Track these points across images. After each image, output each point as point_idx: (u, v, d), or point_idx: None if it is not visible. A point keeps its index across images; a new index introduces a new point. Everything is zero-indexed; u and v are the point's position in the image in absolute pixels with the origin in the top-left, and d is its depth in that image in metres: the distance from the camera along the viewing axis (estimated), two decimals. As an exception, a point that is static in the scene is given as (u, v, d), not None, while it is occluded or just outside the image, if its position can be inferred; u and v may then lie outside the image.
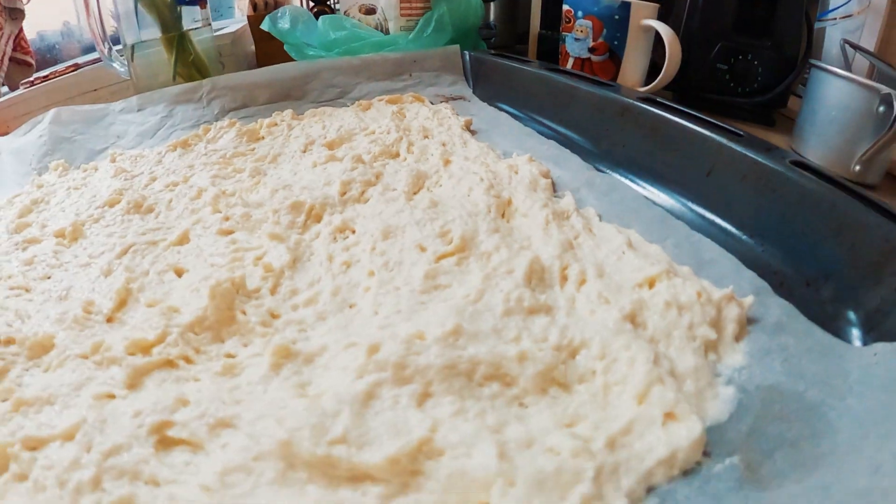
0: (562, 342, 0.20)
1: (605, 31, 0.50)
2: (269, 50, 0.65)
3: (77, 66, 0.59)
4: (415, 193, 0.31)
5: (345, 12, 0.64)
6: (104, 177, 0.39)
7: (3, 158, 0.45)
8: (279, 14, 0.59)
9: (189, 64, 0.50)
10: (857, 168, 0.40)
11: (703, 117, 0.33)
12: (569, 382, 0.19)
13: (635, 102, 0.36)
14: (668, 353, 0.19)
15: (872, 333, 0.20)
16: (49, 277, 0.27)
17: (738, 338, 0.20)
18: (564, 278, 0.24)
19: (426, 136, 0.38)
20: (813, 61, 0.45)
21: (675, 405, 0.17)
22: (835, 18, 0.51)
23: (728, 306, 0.21)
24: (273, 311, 0.22)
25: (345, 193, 0.30)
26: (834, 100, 0.41)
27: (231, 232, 0.28)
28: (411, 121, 0.41)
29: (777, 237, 0.26)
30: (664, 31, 0.47)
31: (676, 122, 0.34)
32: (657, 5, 0.50)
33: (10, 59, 0.65)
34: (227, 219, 0.28)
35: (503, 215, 0.29)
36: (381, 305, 0.22)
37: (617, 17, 0.49)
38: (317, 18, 0.64)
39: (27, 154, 0.45)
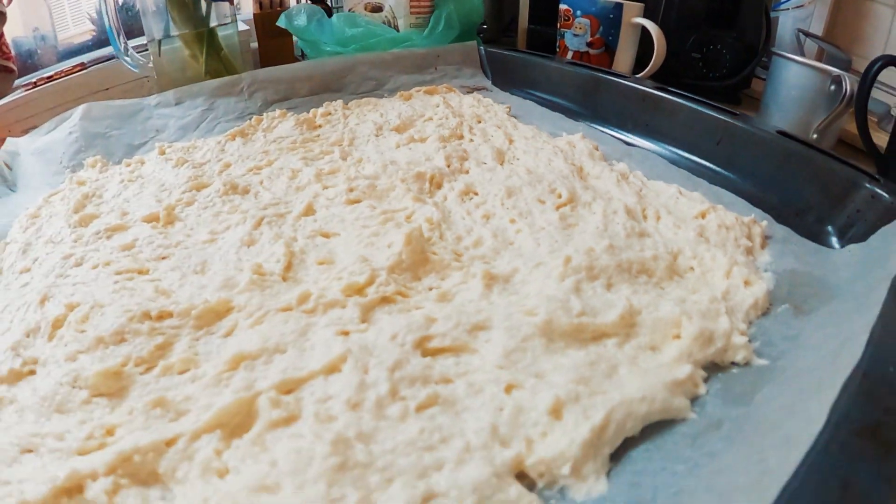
0: (668, 250, 0.27)
1: (601, 28, 0.57)
2: (272, 46, 0.66)
3: (83, 66, 0.57)
4: (501, 164, 0.35)
5: (349, 10, 0.66)
6: (164, 167, 0.39)
7: (26, 159, 0.45)
8: (294, 11, 0.60)
9: (218, 59, 0.50)
10: (815, 136, 0.49)
11: (708, 101, 0.41)
12: (681, 273, 0.26)
13: (654, 91, 0.44)
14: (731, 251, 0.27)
15: (844, 239, 0.30)
16: (166, 258, 0.29)
17: (762, 246, 0.29)
18: (645, 216, 0.31)
19: (479, 121, 0.43)
20: (773, 49, 0.54)
21: (748, 276, 0.25)
22: (788, 8, 0.61)
23: (754, 227, 0.29)
24: (455, 251, 0.27)
25: (449, 165, 0.34)
26: (792, 81, 0.50)
27: (359, 201, 0.31)
28: (459, 108, 0.45)
29: (772, 185, 0.35)
30: (652, 27, 0.55)
31: (689, 107, 0.42)
32: (643, 4, 0.57)
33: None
34: (351, 189, 0.31)
35: (581, 178, 0.34)
36: (539, 239, 0.27)
37: (611, 15, 0.56)
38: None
39: (55, 152, 0.44)
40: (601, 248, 0.26)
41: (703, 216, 0.30)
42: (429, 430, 0.17)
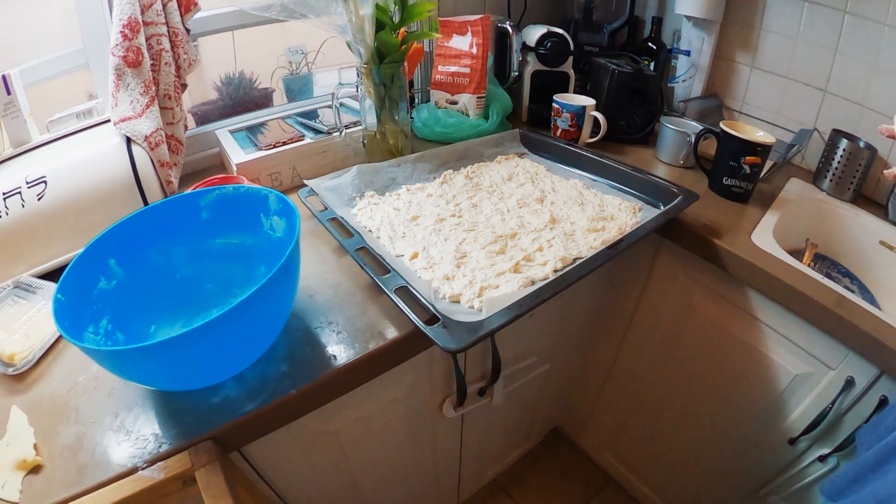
0: (608, 214, 0.84)
1: (575, 118, 1.15)
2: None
3: (301, 138, 1.04)
4: (554, 192, 0.92)
5: (436, 102, 1.20)
6: (419, 198, 0.90)
7: (322, 192, 0.83)
8: (418, 109, 1.14)
9: (404, 139, 1.02)
10: (682, 161, 1.08)
11: (622, 162, 1.02)
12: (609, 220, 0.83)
13: (600, 159, 0.98)
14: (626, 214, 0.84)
15: (664, 206, 0.87)
16: (477, 226, 0.81)
17: (638, 211, 0.85)
18: (604, 205, 0.88)
19: (537, 173, 0.99)
20: (662, 119, 1.12)
21: (629, 219, 0.82)
22: (678, 81, 1.21)
23: (635, 207, 0.87)
24: (551, 215, 0.82)
25: (542, 195, 0.90)
26: (669, 136, 1.08)
27: (523, 206, 0.86)
28: (526, 166, 1.01)
29: (645, 192, 0.89)
30: (600, 117, 1.13)
31: (619, 168, 0.98)
32: (595, 103, 1.16)
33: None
34: (518, 204, 0.86)
35: (580, 196, 0.91)
36: (569, 218, 0.85)
37: (580, 112, 1.14)
38: (411, 100, 1.19)
39: (343, 189, 0.86)
40: (594, 215, 0.81)
41: (620, 205, 0.82)
42: (572, 242, 0.73)
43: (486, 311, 0.57)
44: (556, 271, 0.69)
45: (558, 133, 1.18)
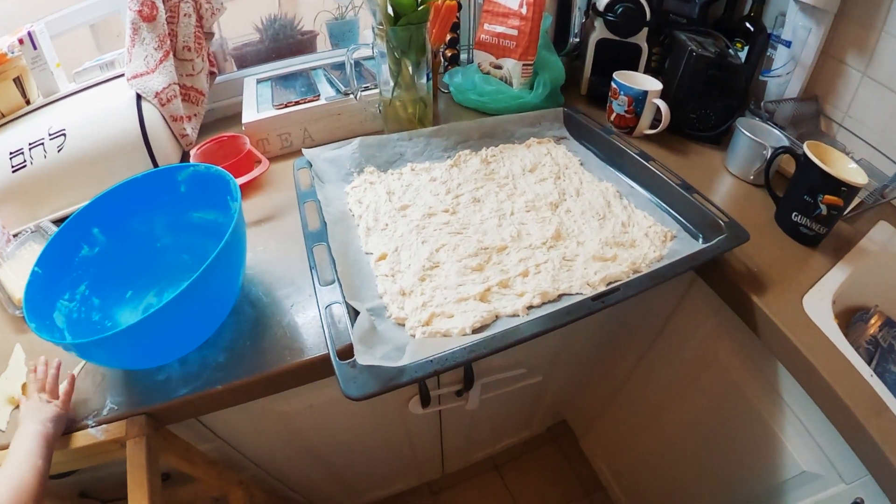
0: (631, 239, 0.70)
1: (633, 103, 0.98)
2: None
3: (317, 97, 0.97)
4: (577, 196, 0.79)
5: (478, 64, 1.06)
6: (421, 180, 0.81)
7: (319, 164, 0.78)
8: (453, 72, 1.01)
9: (424, 111, 0.92)
10: (752, 177, 0.89)
11: (670, 172, 0.80)
12: (635, 246, 0.69)
13: (647, 164, 0.79)
14: (654, 241, 0.70)
15: (705, 240, 0.68)
16: (467, 229, 0.71)
17: (671, 239, 0.70)
18: (629, 224, 0.73)
19: (567, 168, 0.85)
20: (738, 121, 0.90)
21: (655, 252, 0.67)
22: (775, 74, 0.95)
23: (668, 234, 0.71)
24: (568, 230, 0.72)
25: (559, 198, 0.78)
26: (743, 144, 0.88)
27: (529, 211, 0.75)
28: (556, 157, 0.88)
29: (686, 216, 0.73)
30: (663, 106, 0.95)
31: (658, 174, 0.79)
32: (661, 88, 0.97)
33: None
34: (526, 206, 0.75)
35: (608, 208, 0.77)
36: (594, 231, 0.72)
37: (640, 97, 0.97)
38: (450, 60, 1.06)
39: (343, 162, 0.81)
40: (610, 237, 0.67)
41: (650, 227, 0.69)
42: (569, 271, 0.62)
43: (408, 357, 0.50)
44: (530, 308, 0.59)
45: (612, 118, 1.02)
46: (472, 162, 0.86)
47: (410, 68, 0.86)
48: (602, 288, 0.61)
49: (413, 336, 0.56)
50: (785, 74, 0.93)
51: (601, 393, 1.19)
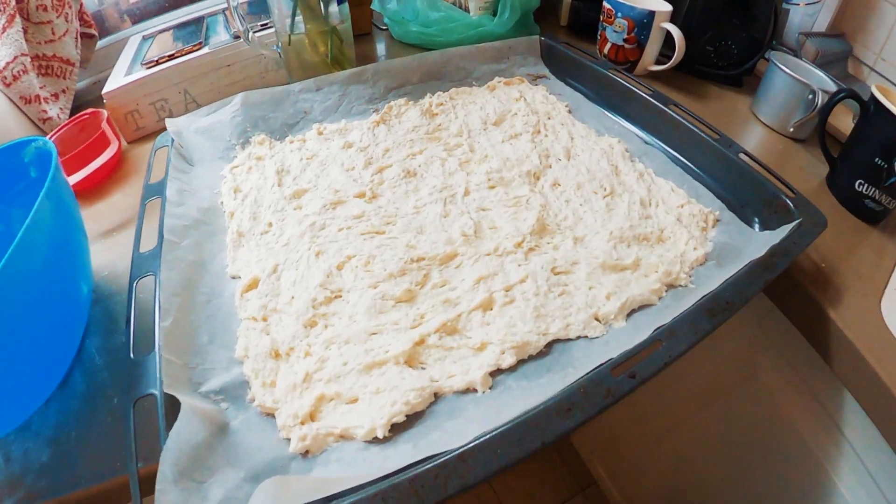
0: (659, 228, 0.45)
1: (636, 28, 0.70)
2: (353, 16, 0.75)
3: (201, 45, 0.67)
4: (568, 160, 0.52)
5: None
6: (330, 147, 0.53)
7: (190, 137, 0.54)
8: (384, -3, 0.71)
9: (340, 50, 0.63)
10: (792, 129, 0.65)
11: (703, 121, 0.54)
12: (664, 240, 0.44)
13: (667, 109, 0.55)
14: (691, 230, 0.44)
15: (762, 226, 0.45)
16: (393, 223, 0.44)
17: (713, 225, 0.45)
18: (650, 204, 0.48)
19: (549, 117, 0.58)
20: (772, 55, 0.67)
21: (697, 244, 0.43)
22: (799, 3, 0.75)
23: (710, 216, 0.46)
24: (556, 223, 0.45)
25: (541, 162, 0.51)
26: (780, 85, 0.65)
27: (494, 187, 0.47)
28: (532, 103, 0.60)
29: (730, 186, 0.49)
30: (675, 32, 0.68)
31: (687, 126, 0.53)
32: (671, 10, 0.70)
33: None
34: (489, 179, 0.47)
35: (616, 175, 0.51)
36: (596, 218, 0.46)
37: (645, 20, 0.69)
38: None
39: (221, 132, 0.55)
40: (626, 227, 0.44)
41: (682, 206, 0.47)
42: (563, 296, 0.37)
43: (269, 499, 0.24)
44: (496, 372, 0.33)
45: (606, 50, 0.74)
46: (410, 115, 0.57)
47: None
48: (620, 323, 0.36)
49: (288, 440, 0.30)
50: (814, 2, 0.68)
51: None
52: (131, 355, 0.33)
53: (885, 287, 0.47)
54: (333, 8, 0.61)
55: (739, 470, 0.68)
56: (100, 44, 0.78)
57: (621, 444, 1.01)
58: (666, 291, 0.39)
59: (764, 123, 0.68)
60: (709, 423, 0.71)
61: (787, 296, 0.48)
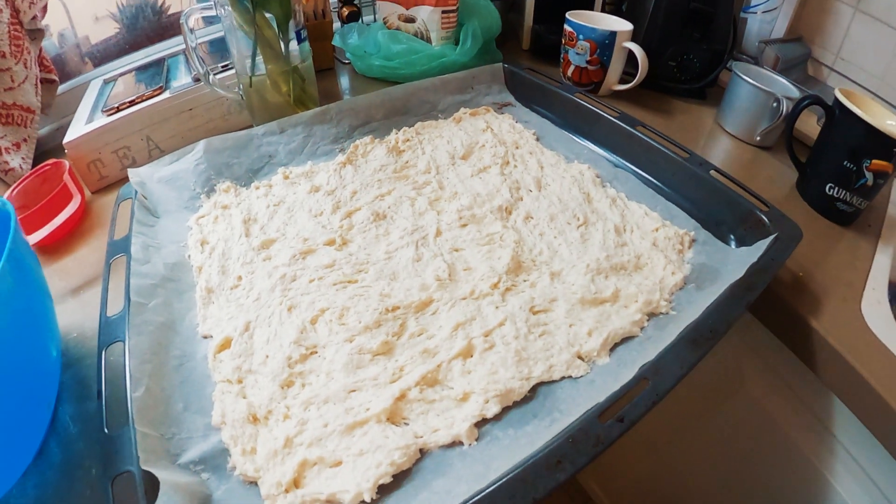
0: (636, 255, 0.45)
1: (598, 50, 0.71)
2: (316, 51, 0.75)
3: (161, 89, 0.66)
4: (539, 190, 0.52)
5: (384, 19, 0.77)
6: (297, 192, 0.52)
7: (153, 187, 0.52)
8: (346, 30, 0.71)
9: (302, 89, 0.62)
10: (759, 138, 0.66)
11: (672, 141, 0.54)
12: (641, 267, 0.44)
13: (635, 132, 0.56)
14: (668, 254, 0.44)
15: (738, 244, 0.46)
16: (363, 271, 0.43)
17: (689, 246, 0.45)
18: (625, 231, 0.47)
19: (517, 147, 0.58)
20: (734, 65, 0.68)
21: (675, 269, 0.43)
22: (756, 12, 0.77)
23: (686, 237, 0.46)
24: (531, 259, 0.45)
25: (512, 196, 0.51)
26: (744, 95, 0.66)
27: (466, 225, 0.47)
28: (500, 133, 0.60)
29: (704, 204, 0.50)
30: (638, 51, 0.70)
31: (657, 147, 0.54)
32: (632, 29, 0.71)
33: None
34: (461, 217, 0.47)
35: (589, 203, 0.51)
36: (571, 250, 0.45)
37: (607, 41, 0.70)
38: (347, 20, 0.76)
39: (185, 181, 0.53)
40: (602, 258, 0.43)
41: (657, 230, 0.47)
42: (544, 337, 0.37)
43: None
44: (481, 422, 0.32)
45: (570, 72, 0.75)
46: (376, 153, 0.57)
47: (275, 25, 0.57)
48: (604, 359, 0.35)
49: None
50: (771, 10, 0.71)
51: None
52: (105, 430, 0.32)
53: (864, 289, 0.48)
54: (294, 46, 0.60)
55: (734, 479, 0.67)
56: (61, 88, 0.76)
57: (615, 460, 1.00)
58: (648, 321, 0.39)
59: (730, 134, 0.69)
60: (701, 434, 0.70)
61: (768, 309, 0.48)
